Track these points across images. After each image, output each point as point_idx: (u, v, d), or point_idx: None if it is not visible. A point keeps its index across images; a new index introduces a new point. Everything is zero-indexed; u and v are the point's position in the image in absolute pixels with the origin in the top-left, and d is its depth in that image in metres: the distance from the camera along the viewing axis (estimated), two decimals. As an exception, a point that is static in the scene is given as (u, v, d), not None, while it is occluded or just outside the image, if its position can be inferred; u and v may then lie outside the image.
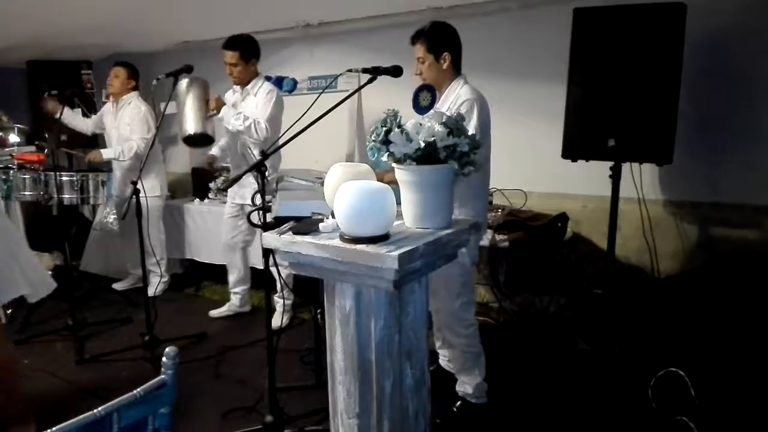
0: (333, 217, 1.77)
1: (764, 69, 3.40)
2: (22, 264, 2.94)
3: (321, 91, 2.60)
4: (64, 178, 4.17)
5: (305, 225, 1.83)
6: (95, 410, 1.13)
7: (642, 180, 3.53)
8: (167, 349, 1.32)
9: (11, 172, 4.22)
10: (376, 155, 1.84)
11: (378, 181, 1.85)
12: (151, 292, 3.91)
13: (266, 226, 2.38)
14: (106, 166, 4.83)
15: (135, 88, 4.74)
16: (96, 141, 5.36)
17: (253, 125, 3.76)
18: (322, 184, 2.01)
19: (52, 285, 3.12)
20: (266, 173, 2.45)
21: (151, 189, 4.60)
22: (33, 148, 5.19)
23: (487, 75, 3.52)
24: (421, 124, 1.79)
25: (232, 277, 4.45)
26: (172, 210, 5.16)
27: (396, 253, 1.54)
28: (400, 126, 1.80)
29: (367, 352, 1.74)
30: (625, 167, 3.41)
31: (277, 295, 4.17)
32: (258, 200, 2.41)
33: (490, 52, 4.10)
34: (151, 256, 4.11)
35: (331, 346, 1.84)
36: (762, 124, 3.43)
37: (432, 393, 1.99)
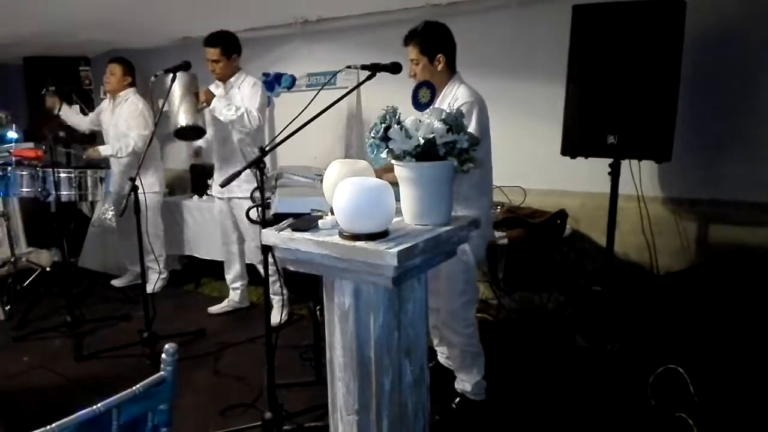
0: (332, 213, 1.77)
1: (764, 66, 3.39)
2: None
3: (320, 87, 2.59)
4: (62, 175, 4.16)
5: (304, 222, 1.83)
6: (95, 406, 1.13)
7: (641, 177, 3.52)
8: (167, 346, 1.32)
9: (9, 168, 4.21)
10: (375, 152, 1.84)
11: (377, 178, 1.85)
12: (149, 288, 3.90)
13: (265, 223, 2.38)
14: (104, 163, 4.81)
15: (132, 84, 4.74)
16: (94, 138, 5.34)
17: (245, 114, 3.77)
18: (321, 180, 2.01)
19: None
20: (265, 169, 2.44)
21: (150, 185, 4.60)
22: (31, 145, 5.19)
23: (485, 72, 3.52)
24: (420, 121, 1.79)
25: (230, 273, 4.45)
26: (170, 206, 5.16)
27: (395, 249, 1.54)
28: (399, 123, 1.80)
29: (367, 348, 1.74)
30: (624, 164, 3.40)
31: (272, 290, 4.17)
32: (257, 196, 2.41)
33: (488, 50, 4.10)
34: (150, 253, 4.10)
35: (331, 342, 1.84)
36: (761, 121, 3.43)
37: (431, 389, 1.99)
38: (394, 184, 1.82)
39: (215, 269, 4.89)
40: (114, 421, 1.17)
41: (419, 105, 2.58)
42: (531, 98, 4.07)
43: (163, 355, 1.31)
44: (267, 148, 2.39)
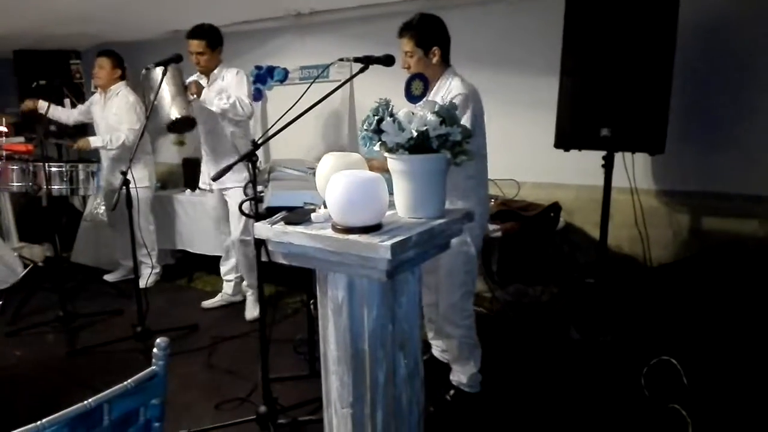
0: (325, 207, 1.76)
1: (758, 58, 3.40)
2: None
3: (312, 80, 2.58)
4: (53, 169, 4.13)
5: (297, 215, 1.82)
6: (86, 401, 1.12)
7: (634, 170, 3.53)
8: (158, 341, 1.31)
9: (-1, 162, 4.18)
10: (368, 145, 1.83)
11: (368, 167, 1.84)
12: (142, 283, 3.90)
13: (258, 217, 2.37)
14: (95, 157, 4.79)
15: (122, 77, 4.70)
16: (86, 131, 5.31)
17: (237, 102, 3.77)
18: (314, 173, 2.00)
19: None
20: (257, 162, 2.43)
21: (140, 180, 4.57)
22: (21, 139, 5.15)
23: (479, 64, 3.51)
24: (413, 114, 1.78)
25: (225, 265, 4.45)
26: (162, 201, 5.13)
27: (389, 243, 1.53)
28: (392, 115, 1.78)
29: (360, 342, 1.74)
30: (618, 157, 3.41)
31: (245, 283, 4.21)
32: (250, 190, 2.39)
33: (482, 42, 4.09)
34: (142, 247, 4.08)
35: (324, 336, 1.84)
36: (755, 113, 3.44)
37: (425, 382, 1.99)
38: (385, 171, 1.81)
39: (208, 264, 4.88)
40: (105, 416, 1.16)
41: (412, 97, 2.56)
42: (525, 91, 4.06)
43: (155, 350, 1.30)
44: (259, 141, 2.38)
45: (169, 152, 6.08)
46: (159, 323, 3.87)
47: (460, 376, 2.96)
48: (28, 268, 4.89)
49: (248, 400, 3.08)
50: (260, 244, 2.51)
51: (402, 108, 1.85)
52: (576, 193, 4.00)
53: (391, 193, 1.78)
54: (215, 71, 4.00)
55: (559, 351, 3.53)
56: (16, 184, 4.16)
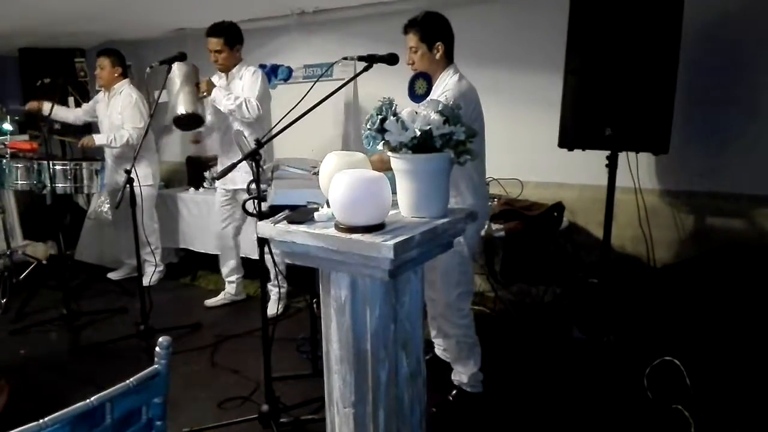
0: (328, 206, 1.76)
1: (762, 57, 3.38)
2: None
3: (316, 79, 2.58)
4: (58, 167, 4.15)
5: (300, 214, 1.81)
6: (88, 400, 1.12)
7: (638, 169, 3.52)
8: (160, 339, 1.31)
9: (4, 160, 4.19)
10: (371, 144, 1.83)
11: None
12: (146, 281, 3.90)
13: (261, 215, 2.37)
14: (99, 155, 4.80)
15: (123, 75, 4.70)
16: (90, 129, 5.32)
17: (244, 104, 3.77)
18: (318, 172, 2.00)
19: None
20: (261, 161, 2.43)
21: (144, 178, 4.56)
22: (26, 137, 5.16)
23: (483, 63, 3.51)
24: (416, 113, 1.77)
25: (225, 267, 4.44)
26: (166, 199, 5.14)
27: (391, 242, 1.53)
28: (395, 114, 1.78)
29: (363, 341, 1.74)
30: (622, 156, 3.40)
31: (271, 283, 4.17)
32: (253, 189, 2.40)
33: (486, 41, 4.09)
34: (146, 246, 4.08)
35: (327, 335, 1.84)
36: (760, 113, 3.42)
37: (428, 382, 1.98)
38: (387, 170, 1.81)
39: (212, 262, 4.89)
40: (108, 414, 1.16)
41: (415, 96, 2.57)
42: (528, 90, 4.06)
43: (157, 349, 1.30)
44: (263, 140, 2.38)
45: (173, 150, 6.08)
46: (162, 321, 3.87)
47: (461, 375, 2.95)
48: (32, 266, 4.90)
49: (251, 399, 3.08)
50: (263, 243, 2.52)
51: (405, 107, 1.85)
52: (579, 192, 3.99)
53: (393, 192, 1.77)
54: (234, 70, 4.00)
55: (562, 351, 3.52)
56: (20, 182, 4.17)
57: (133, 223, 3.56)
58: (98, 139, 4.55)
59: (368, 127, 1.82)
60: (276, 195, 2.52)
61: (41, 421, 1.04)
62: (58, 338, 3.94)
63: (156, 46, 5.52)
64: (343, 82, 2.46)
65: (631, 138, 3.15)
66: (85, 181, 4.28)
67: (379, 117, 1.79)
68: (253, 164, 2.42)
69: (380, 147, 1.81)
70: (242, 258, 4.49)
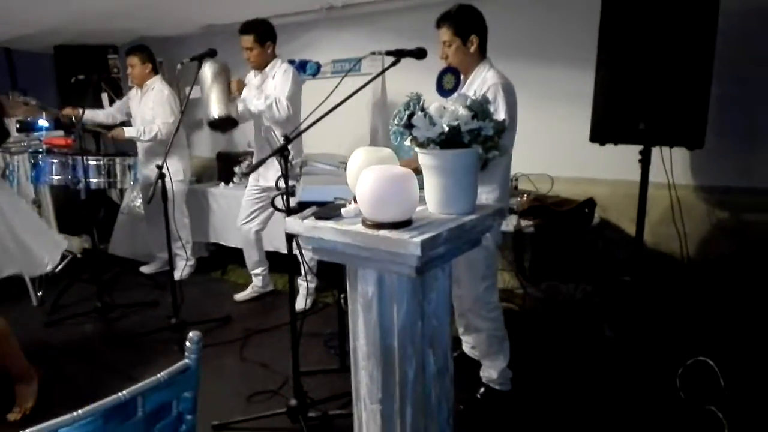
0: (355, 202, 1.75)
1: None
2: (24, 242, 3.22)
3: (344, 74, 2.57)
4: (92, 163, 4.23)
5: (327, 210, 1.81)
6: (120, 393, 1.14)
7: (672, 165, 3.44)
8: (190, 334, 1.32)
9: (40, 156, 4.28)
10: (399, 139, 1.82)
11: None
12: (177, 275, 3.96)
13: (290, 211, 2.38)
14: (132, 150, 4.87)
15: (154, 70, 4.76)
16: (124, 126, 5.40)
17: (274, 104, 3.78)
18: (345, 168, 1.99)
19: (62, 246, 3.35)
20: (289, 157, 2.44)
21: (175, 173, 4.61)
22: (61, 133, 5.27)
23: (513, 57, 3.45)
24: (444, 108, 1.75)
25: (249, 260, 4.49)
26: (197, 194, 5.20)
27: (419, 239, 1.52)
28: (423, 109, 1.76)
29: (390, 338, 1.73)
30: (655, 151, 3.33)
31: (300, 278, 4.20)
32: (282, 185, 2.41)
33: (516, 35, 4.03)
34: (177, 240, 4.14)
35: (354, 331, 1.84)
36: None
37: (455, 379, 1.97)
38: (419, 173, 1.80)
39: (241, 256, 4.92)
40: (139, 408, 1.18)
41: (444, 91, 2.55)
42: (559, 84, 3.99)
43: (188, 344, 1.31)
44: (291, 136, 2.39)
45: (204, 146, 6.15)
46: (193, 315, 3.94)
47: (490, 371, 2.94)
48: (67, 260, 5.01)
49: (279, 393, 3.11)
50: (291, 238, 2.53)
51: (433, 102, 1.83)
52: (611, 188, 3.92)
53: (421, 189, 1.76)
54: (267, 68, 4.01)
55: (593, 350, 3.47)
56: (55, 177, 4.26)
57: (164, 217, 3.61)
58: (128, 132, 4.62)
59: (396, 122, 1.81)
60: (303, 191, 2.53)
61: (75, 413, 1.05)
62: (92, 330, 4.03)
63: (186, 43, 5.58)
64: (371, 77, 2.45)
65: (665, 132, 3.07)
66: (119, 176, 4.35)
67: (407, 112, 1.77)
68: (282, 160, 2.43)
69: (408, 143, 1.80)
70: (273, 252, 4.52)
